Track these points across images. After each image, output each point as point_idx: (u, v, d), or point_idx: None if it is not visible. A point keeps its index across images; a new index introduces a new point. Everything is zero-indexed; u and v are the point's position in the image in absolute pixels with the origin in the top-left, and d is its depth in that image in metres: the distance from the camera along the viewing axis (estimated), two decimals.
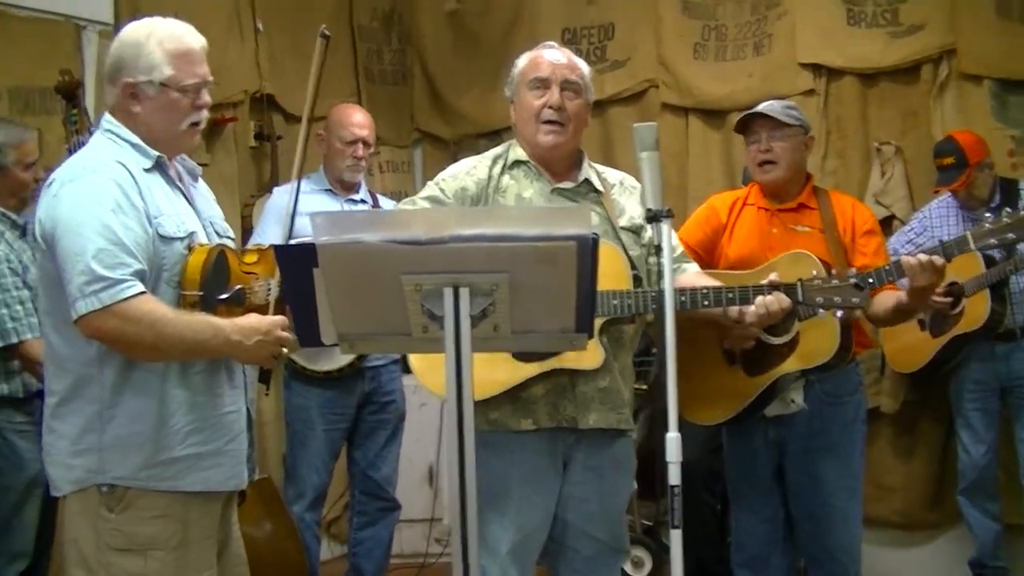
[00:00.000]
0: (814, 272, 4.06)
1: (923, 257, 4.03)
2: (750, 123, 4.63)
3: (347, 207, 5.78)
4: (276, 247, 3.04)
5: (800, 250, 4.35)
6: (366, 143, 5.84)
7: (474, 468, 2.55)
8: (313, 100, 3.96)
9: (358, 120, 5.85)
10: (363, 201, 5.91)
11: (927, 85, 6.44)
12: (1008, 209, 4.03)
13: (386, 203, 6.14)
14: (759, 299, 3.88)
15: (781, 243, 4.50)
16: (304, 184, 5.72)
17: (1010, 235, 3.96)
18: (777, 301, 3.87)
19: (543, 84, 3.90)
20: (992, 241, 4.00)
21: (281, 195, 5.82)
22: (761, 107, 4.64)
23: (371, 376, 5.80)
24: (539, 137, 3.90)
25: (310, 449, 5.74)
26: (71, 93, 4.65)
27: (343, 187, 5.85)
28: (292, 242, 4.25)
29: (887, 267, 4.10)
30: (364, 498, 5.99)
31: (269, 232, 5.47)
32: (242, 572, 3.61)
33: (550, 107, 3.88)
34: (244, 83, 6.77)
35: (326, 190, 5.82)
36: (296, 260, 2.71)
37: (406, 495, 6.27)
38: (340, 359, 5.56)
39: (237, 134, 6.75)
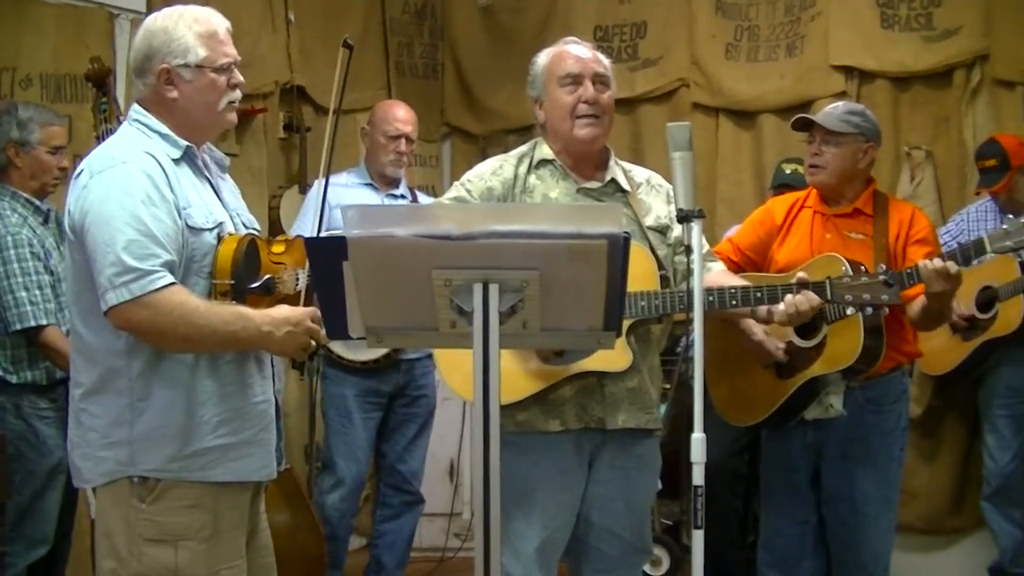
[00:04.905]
0: (843, 270, 4.04)
1: (938, 263, 4.00)
2: (810, 123, 4.62)
3: (387, 202, 5.83)
4: (306, 239, 3.03)
5: (831, 253, 4.33)
6: (408, 139, 5.93)
7: (499, 464, 2.55)
8: (337, 107, 3.95)
9: (401, 116, 5.94)
10: (403, 196, 5.98)
11: (959, 90, 6.43)
12: None
13: (424, 199, 6.23)
14: (788, 298, 3.81)
15: (833, 249, 4.44)
16: (346, 177, 5.88)
17: None
18: (807, 300, 3.80)
19: (575, 80, 3.87)
20: (1009, 244, 3.98)
21: (322, 188, 5.87)
22: (819, 115, 4.64)
23: (406, 369, 5.86)
24: (576, 132, 3.87)
25: (349, 439, 5.81)
26: (101, 81, 4.63)
27: (384, 182, 5.93)
28: (322, 235, 4.26)
29: (908, 270, 4.08)
30: (389, 491, 6.04)
31: (308, 224, 5.51)
32: (270, 562, 3.60)
33: (585, 102, 3.86)
34: (275, 74, 6.79)
35: (367, 184, 5.90)
36: (326, 252, 2.72)
37: (427, 489, 6.28)
38: (377, 350, 5.60)
39: (267, 125, 6.77)
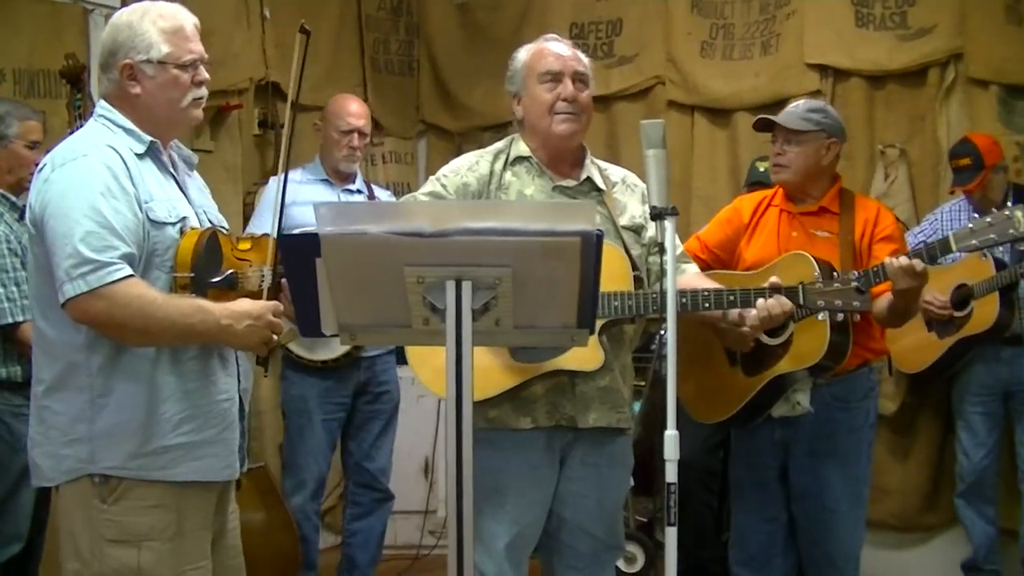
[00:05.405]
0: (815, 274, 4.05)
1: (904, 261, 4.02)
2: (772, 123, 4.62)
3: (343, 197, 5.78)
4: (279, 236, 3.02)
5: (799, 251, 4.34)
6: (362, 133, 5.86)
7: (471, 461, 2.55)
8: (296, 95, 3.91)
9: (354, 110, 5.87)
10: (359, 191, 5.93)
11: (934, 89, 6.45)
12: (994, 210, 4.02)
13: (381, 193, 6.16)
14: (760, 302, 3.83)
15: (800, 248, 4.43)
16: (300, 174, 5.80)
17: (991, 236, 3.94)
18: (779, 304, 3.82)
19: (555, 77, 3.88)
20: (974, 243, 3.99)
21: (281, 184, 5.84)
22: (780, 114, 4.65)
23: (367, 366, 5.81)
24: (555, 127, 3.87)
25: (308, 440, 5.75)
26: (75, 78, 4.62)
27: (339, 177, 5.87)
28: (295, 231, 4.23)
29: (875, 268, 4.09)
30: (358, 489, 6.01)
31: (266, 222, 5.48)
32: (238, 563, 3.56)
33: (564, 99, 3.86)
34: (249, 71, 6.75)
35: (322, 180, 5.84)
36: (298, 249, 2.71)
37: (401, 487, 6.27)
38: (337, 348, 5.56)
39: (241, 122, 6.74)
